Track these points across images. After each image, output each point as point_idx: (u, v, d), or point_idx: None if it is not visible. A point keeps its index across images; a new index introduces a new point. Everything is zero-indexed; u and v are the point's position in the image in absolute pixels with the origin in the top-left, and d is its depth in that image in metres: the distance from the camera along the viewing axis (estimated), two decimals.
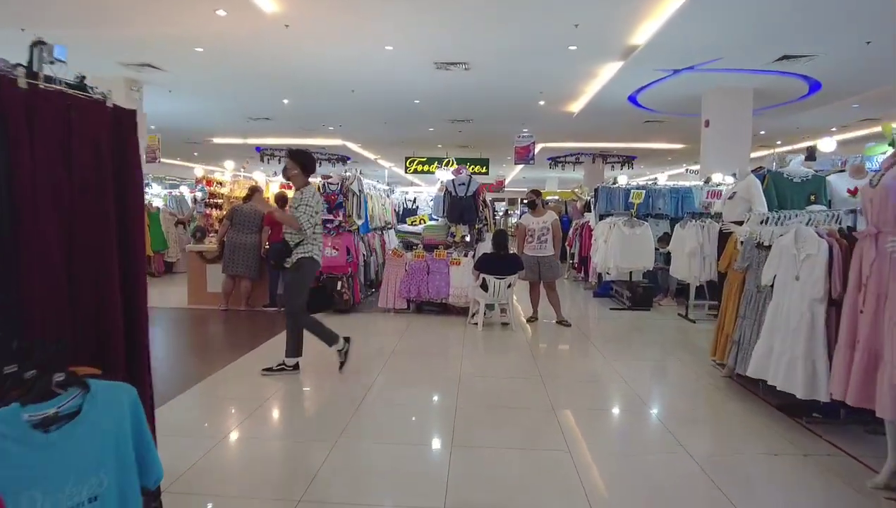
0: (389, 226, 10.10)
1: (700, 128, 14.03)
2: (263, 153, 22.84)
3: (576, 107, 14.58)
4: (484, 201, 7.75)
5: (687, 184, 9.80)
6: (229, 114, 16.42)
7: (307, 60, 10.90)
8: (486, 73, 11.57)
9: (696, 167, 22.43)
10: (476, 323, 7.01)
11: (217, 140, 21.84)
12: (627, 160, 21.94)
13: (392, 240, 10.24)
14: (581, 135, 18.74)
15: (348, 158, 24.03)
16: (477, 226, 7.75)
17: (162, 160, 18.14)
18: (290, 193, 9.42)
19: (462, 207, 7.58)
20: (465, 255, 7.62)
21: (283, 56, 10.78)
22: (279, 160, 23.84)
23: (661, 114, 14.78)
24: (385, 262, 9.37)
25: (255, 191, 8.16)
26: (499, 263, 6.75)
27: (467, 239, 7.82)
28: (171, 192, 14.09)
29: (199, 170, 8.63)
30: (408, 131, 18.58)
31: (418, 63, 10.99)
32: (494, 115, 15.78)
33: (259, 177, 8.93)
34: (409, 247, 8.20)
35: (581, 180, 23.80)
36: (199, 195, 12.16)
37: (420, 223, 8.68)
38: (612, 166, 22.23)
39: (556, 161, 22.17)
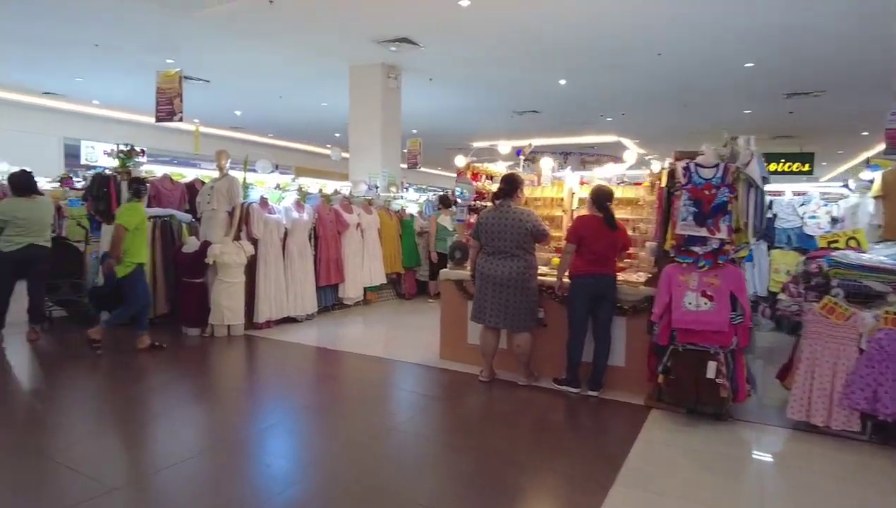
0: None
1: None
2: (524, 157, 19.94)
3: None
4: None
5: None
6: (493, 107, 13.56)
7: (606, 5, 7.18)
8: None
9: None
10: None
11: (478, 143, 19.51)
12: None
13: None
14: None
15: (617, 158, 19.76)
16: None
17: (421, 169, 16.36)
18: (627, 191, 5.72)
19: None
20: None
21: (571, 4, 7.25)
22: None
23: None
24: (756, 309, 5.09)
25: (511, 183, 4.59)
26: None
27: None
28: (426, 197, 11.65)
29: (460, 159, 5.39)
30: (710, 116, 13.63)
31: None
32: (864, 80, 10.08)
33: (545, 166, 5.36)
34: (859, 295, 3.81)
35: None
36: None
37: (850, 243, 4.25)
38: None
39: None
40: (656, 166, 5.19)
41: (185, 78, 10.34)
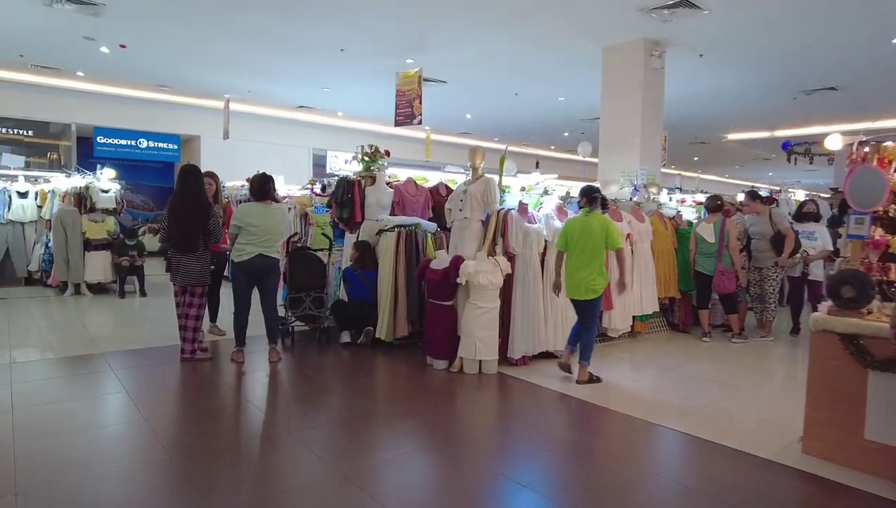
0: None
1: None
2: (792, 150, 16.20)
3: None
4: None
5: None
6: (773, 87, 10.65)
7: None
8: None
9: None
10: None
11: (732, 136, 16.32)
12: None
13: None
14: None
15: None
16: None
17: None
18: None
19: None
20: None
21: None
22: (811, 159, 16.77)
23: None
24: None
25: None
26: None
27: None
28: (682, 200, 9.40)
29: (835, 140, 3.37)
30: None
31: None
32: None
33: None
34: None
35: None
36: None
37: None
38: None
39: None
40: None
41: (424, 80, 9.72)
